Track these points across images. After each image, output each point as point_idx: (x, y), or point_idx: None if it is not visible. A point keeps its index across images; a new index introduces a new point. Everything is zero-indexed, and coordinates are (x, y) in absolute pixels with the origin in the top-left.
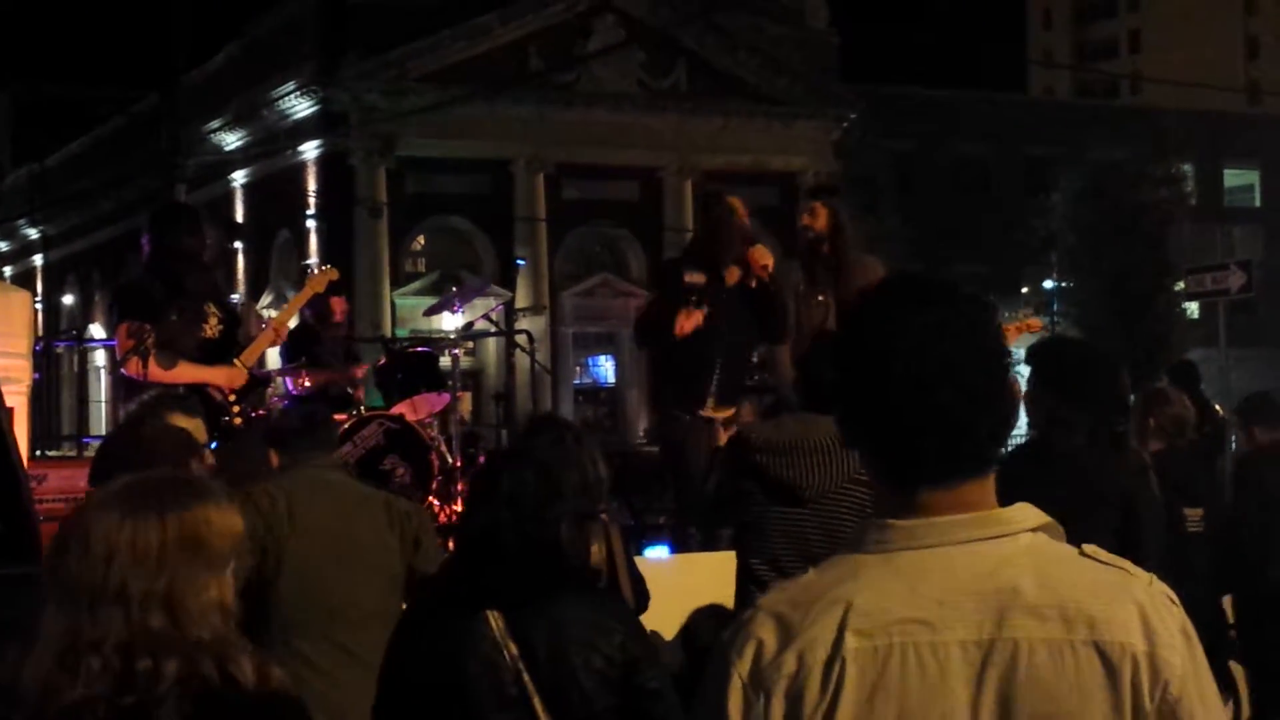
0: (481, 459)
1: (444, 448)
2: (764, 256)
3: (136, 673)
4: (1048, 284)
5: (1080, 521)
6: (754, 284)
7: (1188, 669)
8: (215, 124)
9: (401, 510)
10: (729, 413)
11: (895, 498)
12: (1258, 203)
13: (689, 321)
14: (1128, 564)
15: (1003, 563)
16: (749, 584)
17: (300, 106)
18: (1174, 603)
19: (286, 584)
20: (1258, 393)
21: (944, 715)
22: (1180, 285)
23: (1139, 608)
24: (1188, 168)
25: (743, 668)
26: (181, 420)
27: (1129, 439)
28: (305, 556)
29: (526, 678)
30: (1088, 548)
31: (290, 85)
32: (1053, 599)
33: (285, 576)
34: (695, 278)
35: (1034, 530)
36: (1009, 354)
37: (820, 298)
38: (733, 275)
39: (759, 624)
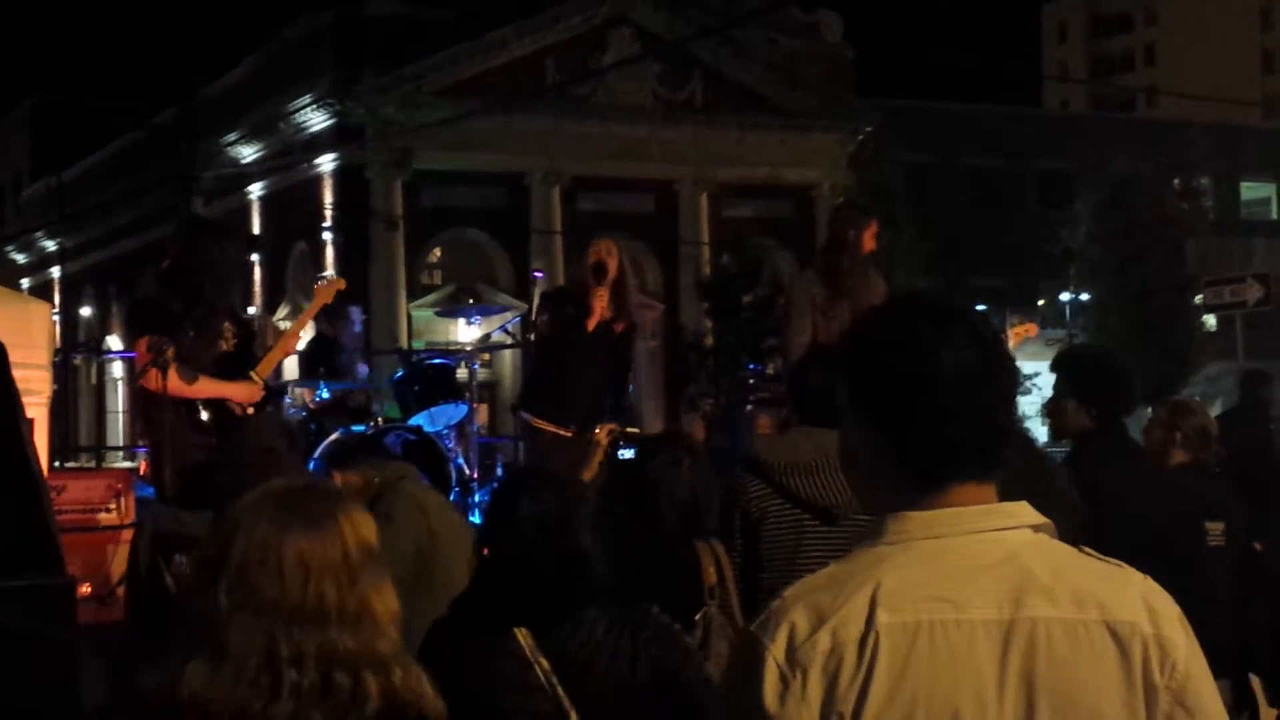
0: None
1: (461, 459)
2: (599, 299)
3: (335, 688)
4: (1064, 296)
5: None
6: (610, 324)
7: (1191, 652)
8: (232, 137)
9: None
10: (596, 435)
11: (911, 494)
12: (1274, 215)
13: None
14: (1122, 564)
15: (1015, 550)
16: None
17: (317, 120)
18: (1169, 597)
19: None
20: None
21: (975, 693)
22: (1199, 298)
23: (1141, 594)
24: (1205, 181)
25: (776, 650)
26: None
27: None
28: (447, 569)
29: (561, 692)
30: (1085, 548)
31: (307, 99)
32: (1064, 583)
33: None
34: (565, 309)
35: (1034, 528)
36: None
37: (837, 309)
38: (591, 317)
39: (789, 609)
